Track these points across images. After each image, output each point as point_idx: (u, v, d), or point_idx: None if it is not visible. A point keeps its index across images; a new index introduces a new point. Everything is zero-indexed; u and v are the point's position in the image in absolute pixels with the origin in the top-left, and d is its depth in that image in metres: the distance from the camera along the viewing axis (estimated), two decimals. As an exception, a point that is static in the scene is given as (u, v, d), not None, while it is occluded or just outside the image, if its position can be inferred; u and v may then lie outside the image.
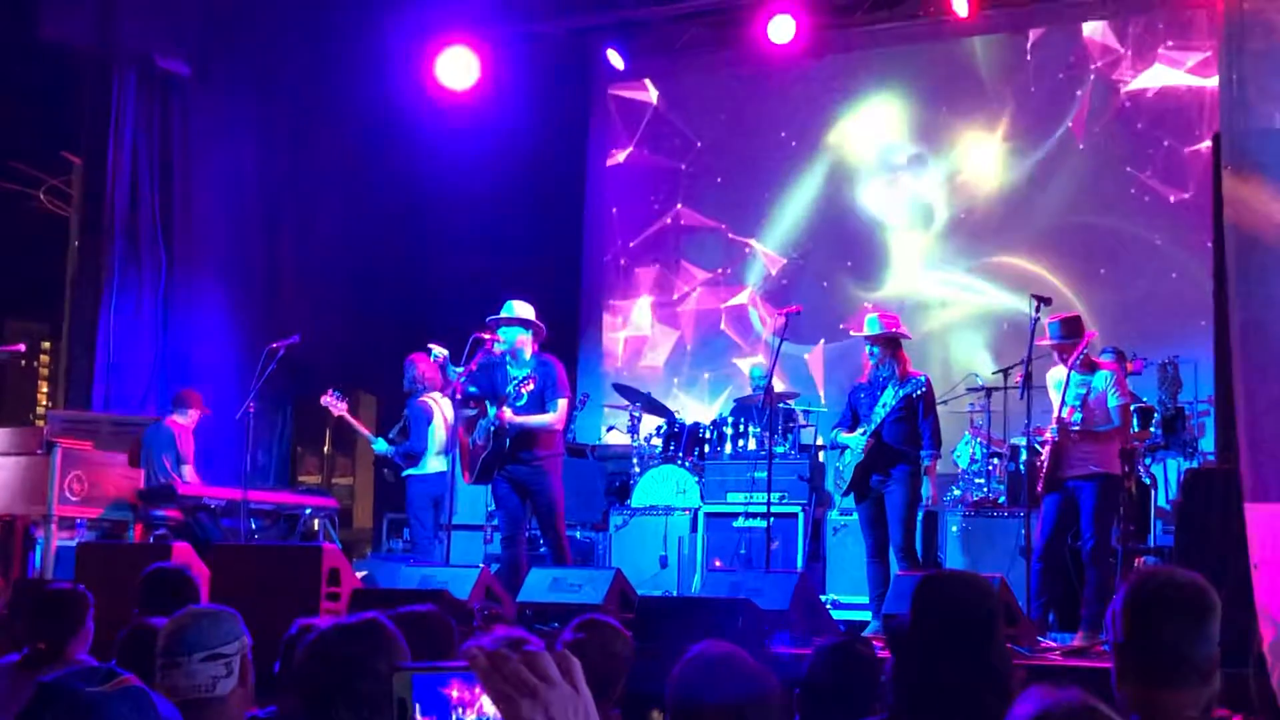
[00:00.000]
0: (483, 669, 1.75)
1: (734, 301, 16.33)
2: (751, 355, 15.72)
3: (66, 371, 14.00)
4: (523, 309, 10.12)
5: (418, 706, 1.80)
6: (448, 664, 1.84)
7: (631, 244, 16.95)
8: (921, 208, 15.43)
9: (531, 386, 9.90)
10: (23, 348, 13.89)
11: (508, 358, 10.11)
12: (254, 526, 11.59)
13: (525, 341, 10.08)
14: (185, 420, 11.89)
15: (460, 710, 1.81)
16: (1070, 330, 9.36)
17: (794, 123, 16.05)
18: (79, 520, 11.03)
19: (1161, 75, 14.37)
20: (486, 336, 10.08)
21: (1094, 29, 14.78)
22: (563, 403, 10.06)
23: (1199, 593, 3.32)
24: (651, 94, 16.95)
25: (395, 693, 1.81)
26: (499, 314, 10.11)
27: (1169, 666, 3.24)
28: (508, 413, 9.85)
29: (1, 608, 9.32)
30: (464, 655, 1.79)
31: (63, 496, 10.73)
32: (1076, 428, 9.11)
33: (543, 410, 9.94)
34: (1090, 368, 9.31)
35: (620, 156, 17.12)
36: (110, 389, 13.33)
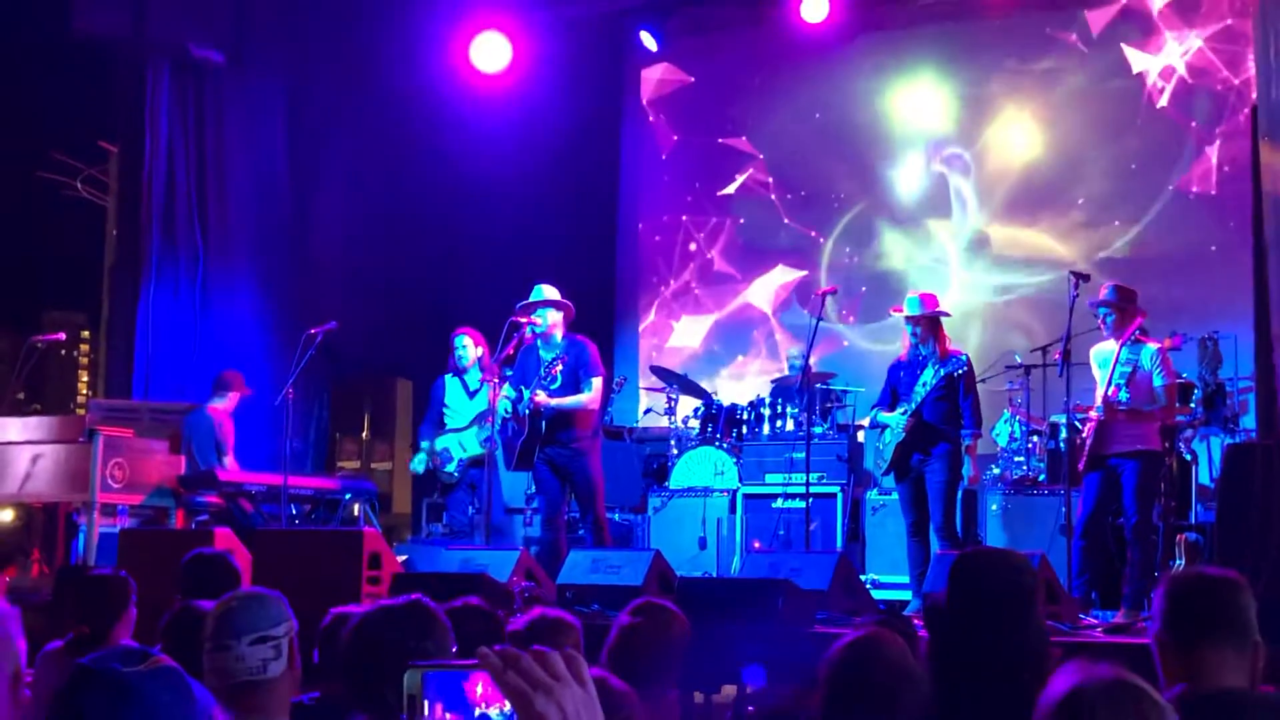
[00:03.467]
0: (495, 667, 1.77)
1: (770, 282, 16.29)
2: (786, 335, 15.71)
3: (106, 360, 14.10)
4: (550, 291, 10.12)
5: (427, 703, 1.82)
6: (460, 662, 1.86)
7: (667, 226, 16.93)
8: (956, 185, 15.37)
9: (561, 367, 9.90)
10: (62, 336, 13.95)
11: (539, 341, 10.11)
12: (294, 512, 11.63)
13: (557, 323, 10.09)
14: (224, 404, 11.93)
15: (483, 706, 1.82)
16: (1126, 297, 9.29)
17: (827, 102, 15.99)
18: (121, 507, 11.08)
19: (1199, 46, 14.27)
20: (522, 320, 10.09)
21: (1126, 3, 14.68)
22: (597, 382, 10.04)
23: (1232, 592, 3.40)
24: (685, 76, 16.91)
25: (406, 689, 1.83)
26: (529, 299, 10.11)
27: (1210, 650, 3.31)
28: (541, 395, 9.85)
29: (45, 594, 9.39)
30: (476, 655, 1.80)
31: (105, 483, 10.77)
32: (1123, 406, 9.05)
33: (577, 390, 9.94)
34: (1136, 345, 9.25)
35: (653, 139, 17.09)
36: (150, 376, 13.40)
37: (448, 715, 1.83)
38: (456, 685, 1.84)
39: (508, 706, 1.79)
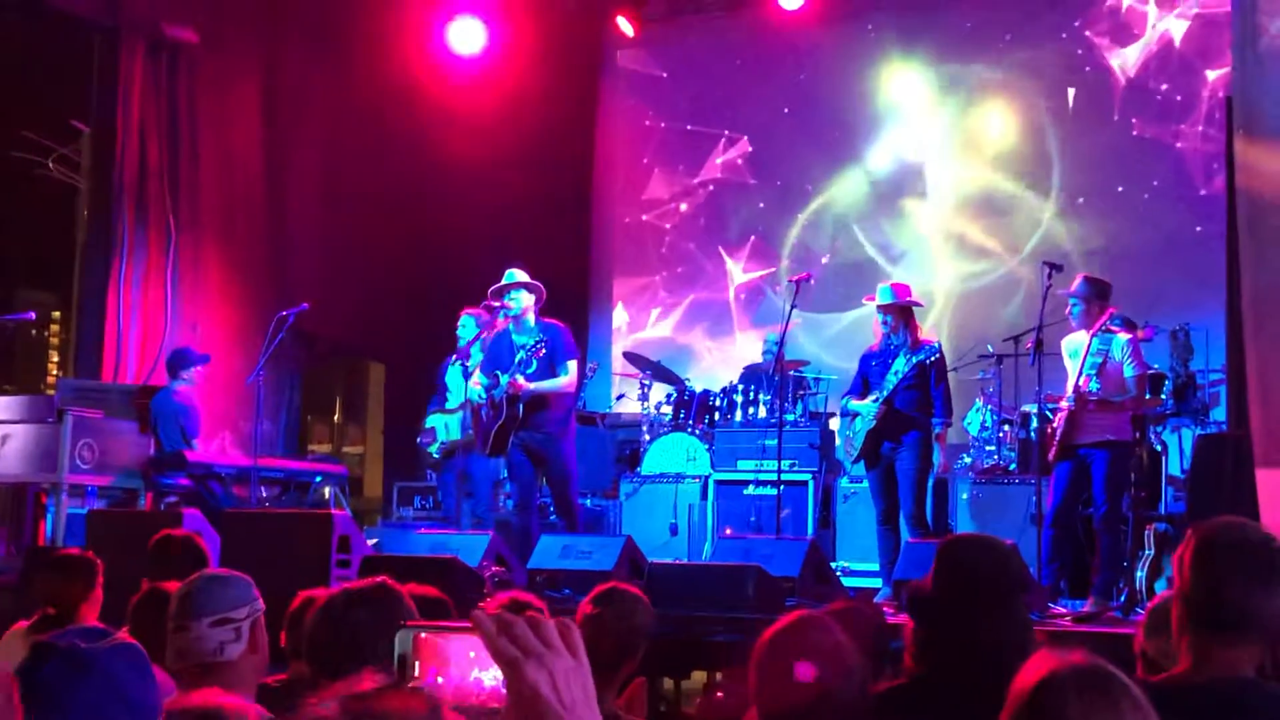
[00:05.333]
0: (487, 632, 1.74)
1: (743, 268, 16.29)
2: (758, 321, 15.72)
3: (76, 340, 14.00)
4: (522, 275, 10.11)
5: (417, 664, 1.81)
6: (454, 625, 1.85)
7: (641, 212, 16.92)
8: (931, 174, 15.38)
9: (543, 352, 9.89)
10: (32, 315, 13.89)
11: (511, 326, 10.10)
12: (264, 494, 11.59)
13: (529, 307, 10.08)
14: (188, 384, 11.85)
15: (478, 669, 1.82)
16: (1098, 291, 9.31)
17: (803, 89, 15.99)
18: (90, 488, 11.03)
19: (1177, 38, 14.30)
20: (497, 304, 10.07)
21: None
22: (573, 364, 10.05)
23: (1270, 551, 3.26)
24: (661, 61, 16.89)
25: (397, 648, 1.82)
26: (501, 283, 10.10)
27: (1231, 621, 3.19)
28: (520, 380, 9.82)
29: (13, 575, 9.35)
30: (469, 619, 1.78)
31: (74, 464, 10.72)
32: (1094, 396, 9.07)
33: (553, 375, 9.93)
34: (1107, 335, 9.27)
35: (629, 123, 17.06)
36: (120, 357, 13.33)
37: (440, 678, 1.82)
38: (449, 648, 1.83)
39: (498, 672, 1.77)
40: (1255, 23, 8.32)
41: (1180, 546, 3.31)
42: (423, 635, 1.85)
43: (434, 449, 11.68)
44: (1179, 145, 14.15)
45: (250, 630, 3.90)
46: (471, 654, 1.82)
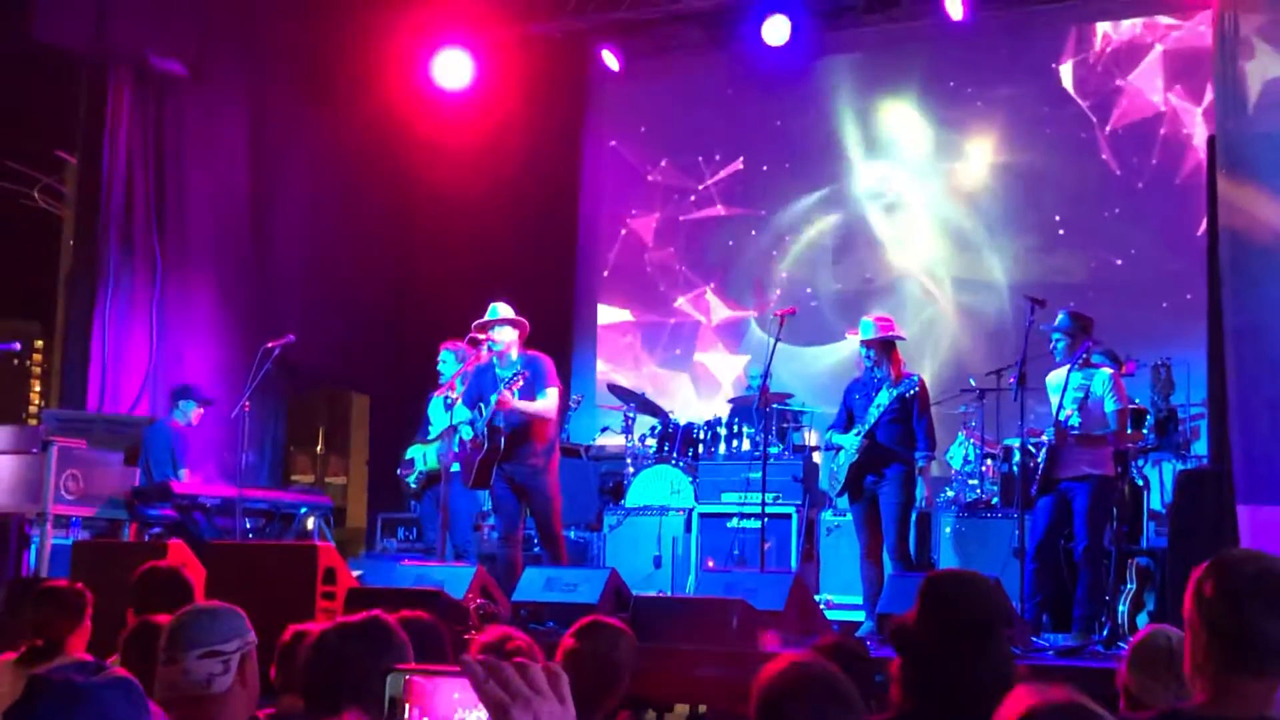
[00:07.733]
0: (476, 676, 1.79)
1: (725, 303, 16.32)
2: (745, 355, 15.75)
3: (61, 370, 13.99)
4: (506, 309, 10.14)
5: (407, 706, 1.84)
6: (442, 668, 1.88)
7: (625, 245, 16.94)
8: (915, 207, 15.43)
9: (522, 383, 9.90)
10: (18, 346, 13.87)
11: (495, 360, 10.12)
12: (249, 525, 11.58)
13: (513, 341, 10.11)
14: (185, 420, 11.87)
15: (463, 712, 1.85)
16: (1080, 325, 9.37)
17: (788, 124, 16.04)
18: (74, 519, 11.00)
19: (1158, 77, 14.39)
20: (482, 337, 10.10)
21: (1085, 32, 14.80)
22: (553, 392, 10.06)
23: None
24: (646, 95, 16.93)
25: (388, 692, 1.85)
26: (485, 317, 10.13)
27: (1258, 657, 3.03)
28: (507, 394, 9.80)
29: (-2, 605, 9.32)
30: (458, 663, 1.82)
31: (58, 495, 10.69)
32: (1075, 431, 9.11)
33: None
34: (1089, 370, 9.32)
35: (614, 159, 17.09)
36: (105, 388, 13.32)
37: (425, 719, 1.86)
38: (434, 691, 1.87)
39: (483, 713, 1.81)
40: (1238, 67, 8.42)
41: (1197, 575, 3.13)
42: (412, 678, 1.88)
43: (412, 479, 11.70)
44: (1161, 182, 14.21)
45: (240, 664, 3.90)
46: (456, 695, 1.85)
